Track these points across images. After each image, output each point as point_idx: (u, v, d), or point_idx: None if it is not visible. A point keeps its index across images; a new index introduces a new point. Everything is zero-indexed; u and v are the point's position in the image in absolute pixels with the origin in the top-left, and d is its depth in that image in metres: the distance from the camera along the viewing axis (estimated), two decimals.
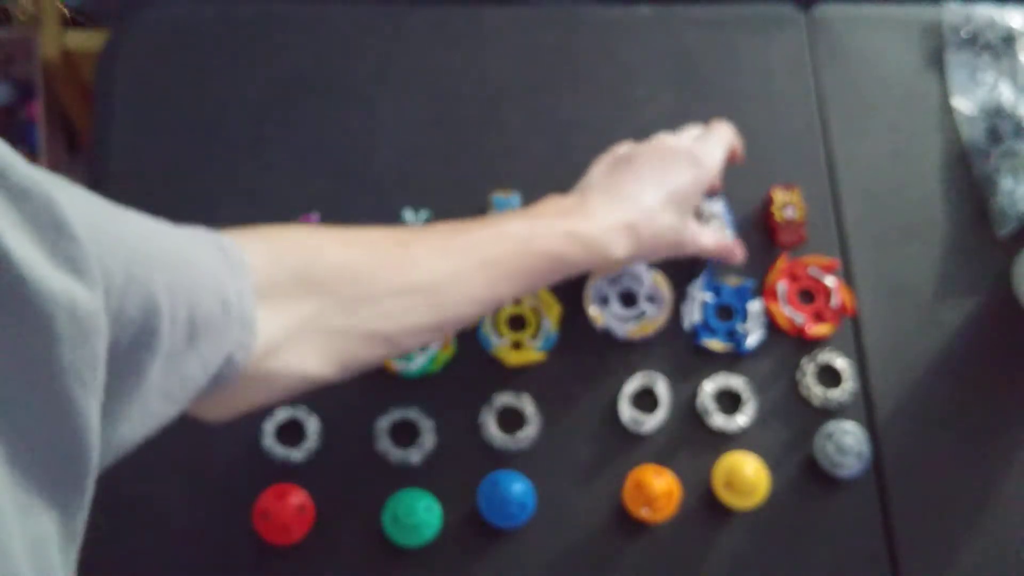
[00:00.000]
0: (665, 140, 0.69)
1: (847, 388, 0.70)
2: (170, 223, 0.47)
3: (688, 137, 0.70)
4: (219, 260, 0.48)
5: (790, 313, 0.72)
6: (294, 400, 0.68)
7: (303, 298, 0.52)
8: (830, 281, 0.72)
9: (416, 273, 0.56)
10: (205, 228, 0.50)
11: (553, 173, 0.73)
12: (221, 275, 0.47)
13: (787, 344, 0.72)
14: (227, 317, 0.46)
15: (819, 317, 0.72)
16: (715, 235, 0.70)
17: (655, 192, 0.65)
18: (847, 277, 0.74)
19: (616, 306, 0.72)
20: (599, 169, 0.68)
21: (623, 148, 0.69)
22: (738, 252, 0.71)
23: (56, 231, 0.34)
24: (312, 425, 0.68)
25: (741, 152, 0.72)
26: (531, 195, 0.71)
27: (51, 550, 0.34)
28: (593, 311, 0.71)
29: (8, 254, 0.31)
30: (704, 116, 0.73)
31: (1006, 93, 0.79)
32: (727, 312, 0.72)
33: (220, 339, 0.46)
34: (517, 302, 0.71)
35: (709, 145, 0.69)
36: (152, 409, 0.42)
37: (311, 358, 0.53)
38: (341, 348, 0.54)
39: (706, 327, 0.71)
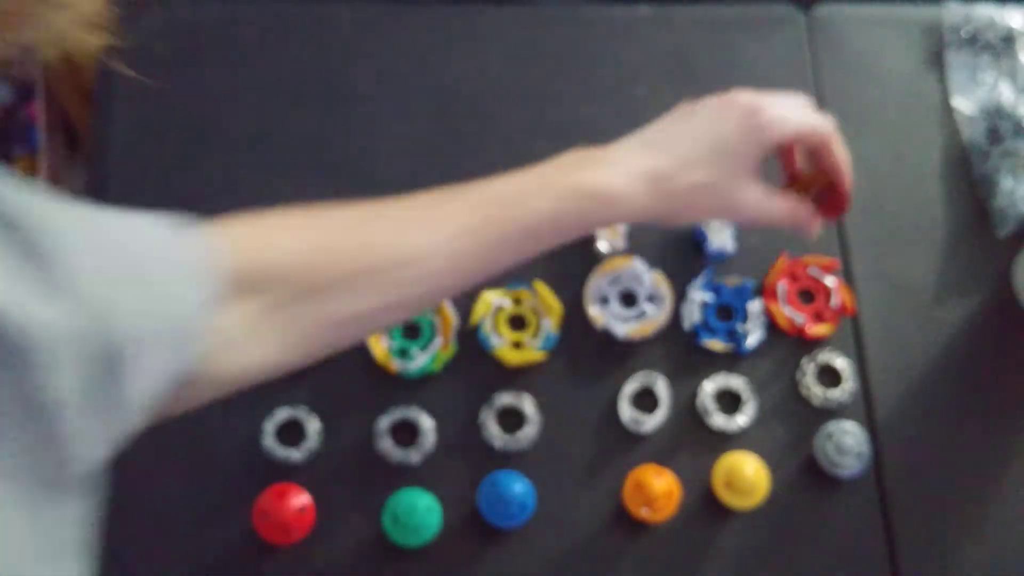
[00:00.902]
0: (739, 92, 0.59)
1: (847, 388, 0.70)
2: (149, 214, 0.46)
3: (778, 98, 0.60)
4: (185, 269, 0.47)
5: (790, 313, 0.72)
6: (294, 400, 0.68)
7: (260, 292, 0.51)
8: (830, 281, 0.72)
9: (381, 252, 0.55)
10: (174, 219, 0.49)
11: None
12: (183, 289, 0.46)
13: (787, 344, 0.72)
14: (181, 334, 0.45)
15: (819, 317, 0.72)
16: (786, 204, 0.59)
17: (695, 142, 0.57)
18: (847, 277, 0.74)
19: (616, 306, 0.72)
20: (659, 119, 0.60)
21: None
22: (814, 227, 0.61)
23: (38, 261, 0.34)
24: (312, 425, 0.68)
25: (848, 185, 0.61)
26: None
27: None
28: (593, 311, 0.71)
29: None
30: None
31: (1006, 93, 0.79)
32: (727, 312, 0.72)
33: (170, 357, 0.45)
34: (517, 302, 0.71)
35: (789, 108, 0.59)
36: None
37: (272, 349, 0.52)
38: (306, 334, 0.53)
39: (706, 327, 0.71)
